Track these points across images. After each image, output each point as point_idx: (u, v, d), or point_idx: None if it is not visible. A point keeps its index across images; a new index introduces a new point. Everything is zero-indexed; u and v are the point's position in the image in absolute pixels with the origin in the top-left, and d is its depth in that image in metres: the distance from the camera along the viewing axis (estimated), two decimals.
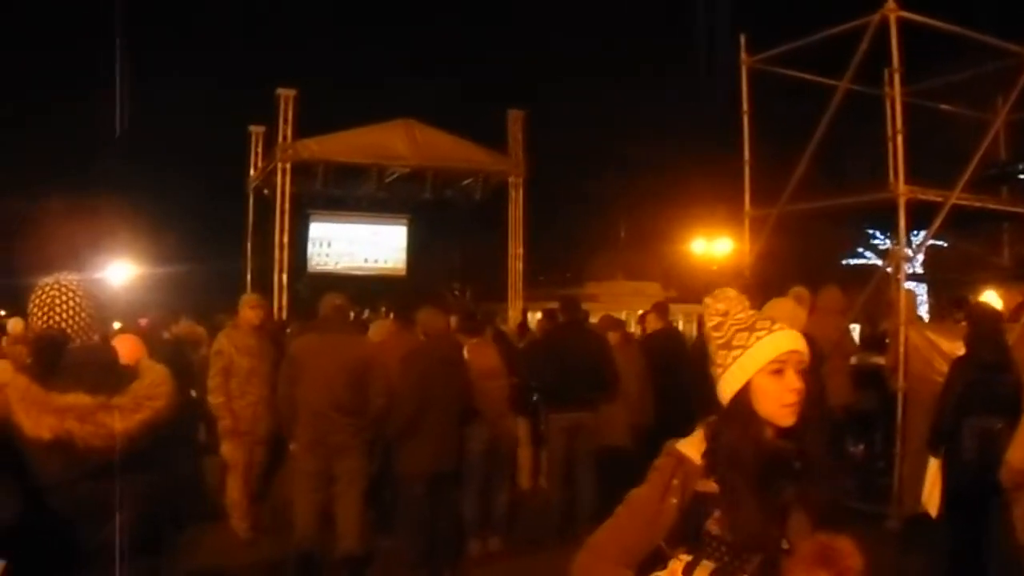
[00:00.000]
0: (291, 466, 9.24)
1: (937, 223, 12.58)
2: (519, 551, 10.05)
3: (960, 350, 8.83)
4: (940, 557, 8.42)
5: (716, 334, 3.16)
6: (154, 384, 3.93)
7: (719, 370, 3.09)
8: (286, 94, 19.20)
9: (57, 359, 3.89)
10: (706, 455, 2.99)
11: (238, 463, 10.14)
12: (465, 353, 10.13)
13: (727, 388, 3.07)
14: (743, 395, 3.04)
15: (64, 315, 3.98)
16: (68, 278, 4.05)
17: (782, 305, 7.58)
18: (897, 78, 12.22)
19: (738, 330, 3.12)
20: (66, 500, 3.63)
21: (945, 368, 9.10)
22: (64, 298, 4.02)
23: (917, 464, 8.94)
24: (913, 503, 8.98)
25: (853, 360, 12.58)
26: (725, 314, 3.21)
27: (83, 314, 4.01)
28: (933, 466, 8.34)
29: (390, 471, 9.54)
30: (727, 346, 3.10)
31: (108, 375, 3.89)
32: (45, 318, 3.98)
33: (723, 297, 3.27)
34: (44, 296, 4.02)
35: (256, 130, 22.24)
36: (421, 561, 9.02)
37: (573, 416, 10.42)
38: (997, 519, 7.86)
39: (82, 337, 3.98)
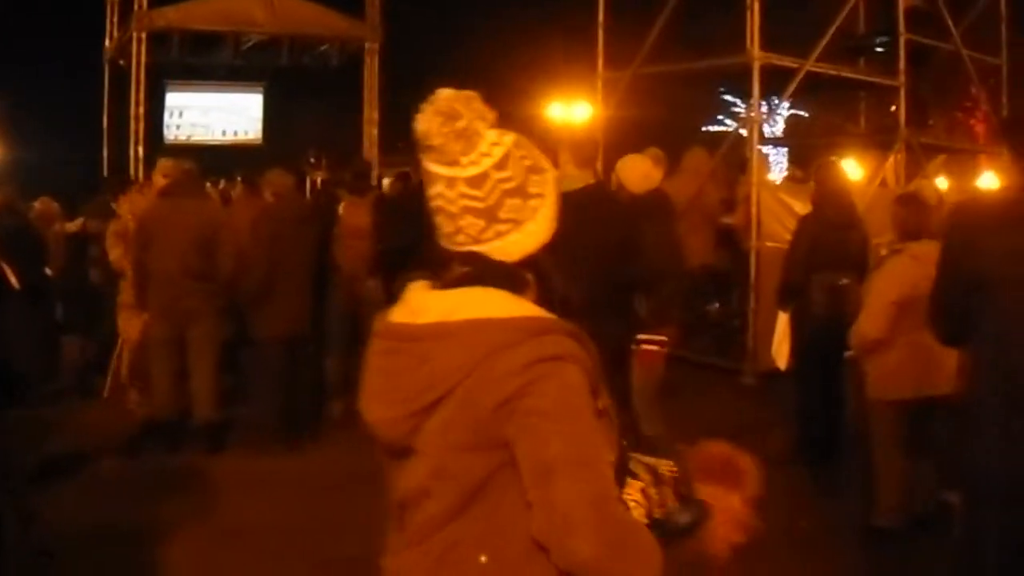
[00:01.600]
0: (144, 334, 9.10)
1: (791, 88, 12.77)
2: None
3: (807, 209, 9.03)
4: (792, 410, 8.65)
5: (499, 174, 2.21)
6: None
7: (509, 225, 2.22)
8: None
9: None
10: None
11: (131, 338, 9.83)
12: (340, 210, 10.04)
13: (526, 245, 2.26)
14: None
15: None
16: None
17: (635, 162, 7.61)
18: None
19: (531, 172, 2.26)
20: None
21: (792, 225, 9.30)
22: None
23: (770, 321, 9.13)
24: (767, 359, 9.19)
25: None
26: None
27: None
28: (782, 321, 8.54)
29: (246, 336, 9.47)
30: (522, 193, 2.23)
31: None
32: None
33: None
34: None
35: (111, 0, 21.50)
36: (280, 425, 8.99)
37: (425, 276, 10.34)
38: (844, 373, 8.13)
39: None
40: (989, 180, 15.36)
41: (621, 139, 13.07)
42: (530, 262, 2.26)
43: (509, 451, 2.06)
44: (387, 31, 20.08)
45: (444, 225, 2.23)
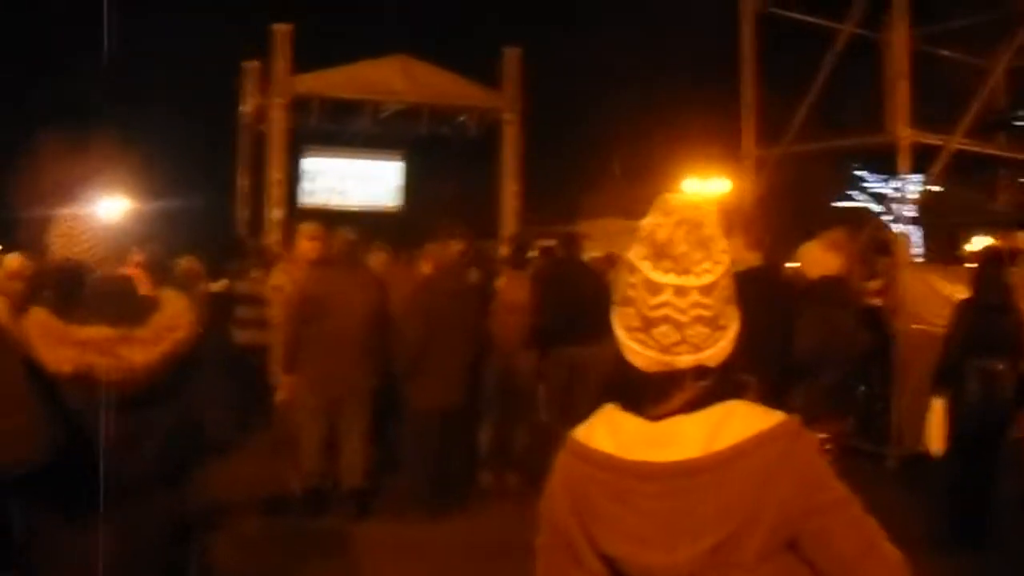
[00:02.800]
0: (295, 401, 9.19)
1: (939, 167, 12.62)
2: (536, 487, 10.06)
3: (956, 292, 8.89)
4: (937, 495, 8.50)
5: (725, 281, 2.20)
6: (175, 315, 3.90)
7: (722, 332, 2.21)
8: (281, 29, 19.01)
9: (78, 291, 3.85)
10: None
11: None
12: (499, 283, 10.12)
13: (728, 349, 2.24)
14: None
15: (84, 246, 3.95)
16: (85, 210, 4.00)
17: (810, 247, 7.53)
18: (902, 24, 12.18)
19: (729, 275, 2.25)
20: (88, 434, 3.60)
21: (941, 310, 9.17)
22: (83, 229, 3.98)
23: (916, 404, 8.98)
24: (911, 442, 9.04)
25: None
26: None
27: (102, 245, 3.98)
28: (937, 406, 8.38)
29: (396, 408, 9.54)
30: (732, 299, 2.25)
31: (129, 307, 3.85)
32: (65, 249, 3.94)
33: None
34: (64, 227, 3.98)
35: (250, 66, 22.06)
36: (429, 493, 9.03)
37: (573, 352, 10.39)
38: (998, 459, 7.97)
39: (103, 268, 3.95)
40: None
41: (765, 213, 13.03)
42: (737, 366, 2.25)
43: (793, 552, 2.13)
44: (524, 101, 20.31)
45: (667, 335, 2.15)
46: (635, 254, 2.20)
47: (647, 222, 2.22)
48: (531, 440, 10.17)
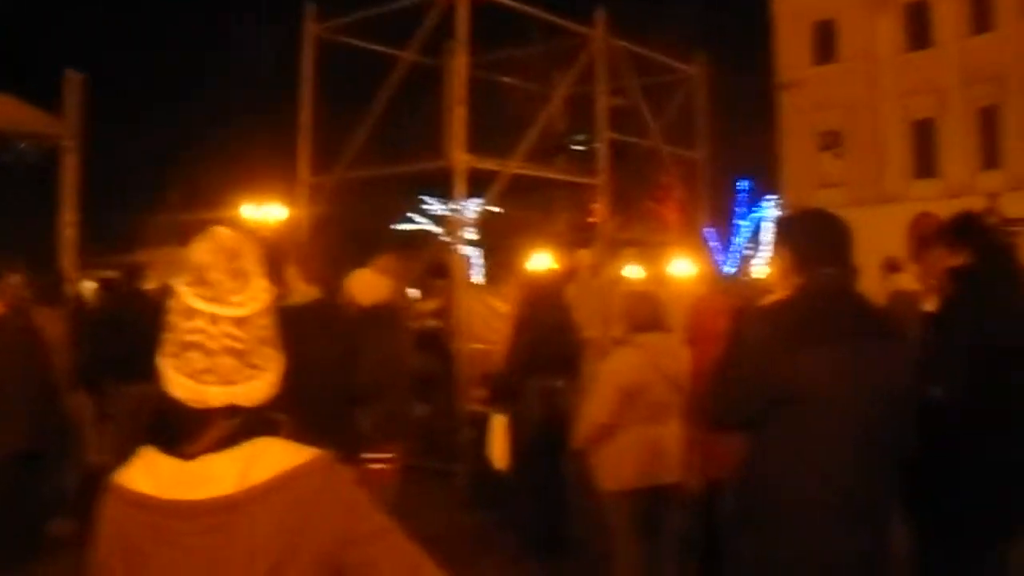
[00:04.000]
0: None
1: (496, 190, 13.05)
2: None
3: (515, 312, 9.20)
4: (507, 509, 8.73)
5: (261, 320, 2.25)
6: None
7: (256, 372, 2.23)
8: None
9: None
10: None
11: None
12: (40, 323, 9.57)
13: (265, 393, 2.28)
14: None
15: None
16: None
17: (362, 275, 7.62)
18: (462, 52, 12.51)
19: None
20: None
21: (500, 329, 9.46)
22: None
23: (482, 422, 9.21)
24: (478, 460, 9.26)
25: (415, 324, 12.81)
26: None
27: None
28: (498, 423, 8.63)
29: None
30: (272, 343, 2.29)
31: None
32: None
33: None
34: None
35: None
36: None
37: (143, 389, 9.99)
38: (561, 470, 8.31)
39: None
40: (682, 268, 16.04)
41: (321, 242, 13.03)
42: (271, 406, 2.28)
43: None
44: (85, 127, 19.48)
45: (197, 361, 2.18)
46: (179, 280, 2.22)
47: (191, 249, 2.23)
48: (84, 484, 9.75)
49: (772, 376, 3.75)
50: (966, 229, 5.11)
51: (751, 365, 3.84)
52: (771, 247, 4.28)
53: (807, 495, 3.78)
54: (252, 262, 2.22)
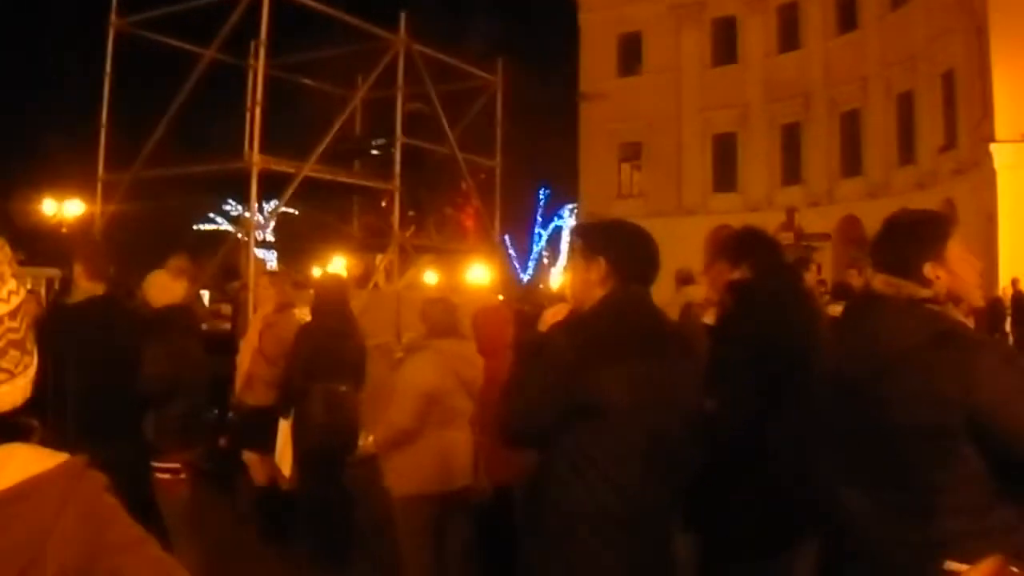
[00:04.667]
0: None
1: (288, 193, 12.99)
2: None
3: (304, 316, 9.19)
4: (292, 515, 8.67)
5: (10, 323, 2.10)
6: None
7: (5, 375, 2.11)
8: None
9: None
10: None
11: None
12: None
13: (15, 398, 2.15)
14: None
15: None
16: None
17: (155, 276, 7.44)
18: (263, 51, 12.43)
19: (30, 330, 2.14)
20: None
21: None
22: None
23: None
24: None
25: (204, 326, 12.61)
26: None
27: None
28: (283, 429, 8.59)
29: None
30: (23, 347, 2.14)
31: None
32: None
33: None
34: None
35: None
36: None
37: None
38: (345, 477, 8.32)
39: None
40: (478, 275, 16.17)
41: (114, 240, 12.77)
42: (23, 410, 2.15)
43: None
44: None
45: None
46: None
47: None
48: None
49: (571, 390, 3.75)
50: (747, 244, 5.13)
51: (551, 379, 3.83)
52: (578, 254, 4.14)
53: (598, 507, 3.78)
54: (3, 262, 2.08)
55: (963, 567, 1.85)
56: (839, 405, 3.44)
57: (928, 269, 3.30)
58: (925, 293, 3.28)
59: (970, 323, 3.49)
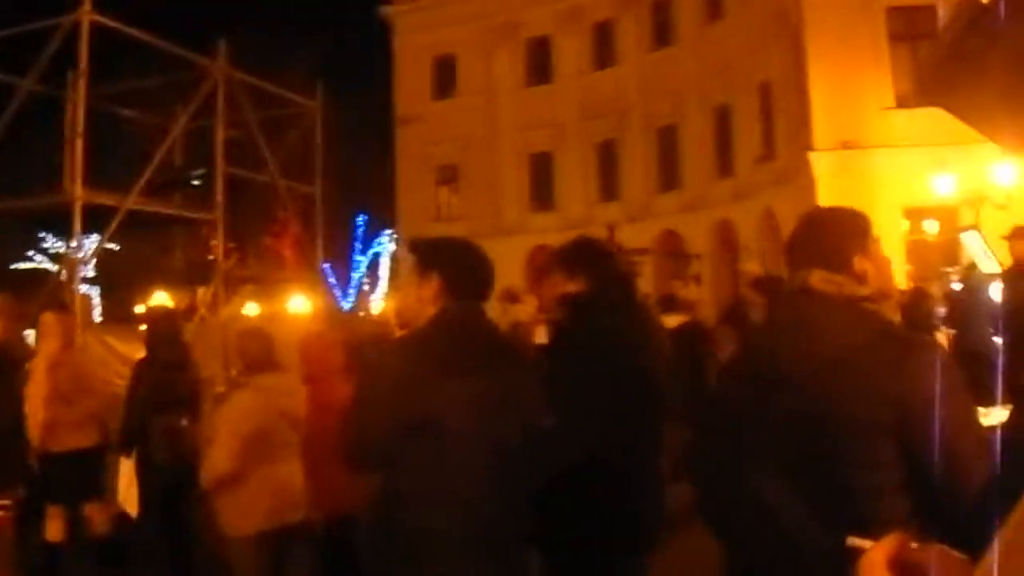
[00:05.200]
0: None
1: (113, 227, 12.72)
2: None
3: (134, 352, 9.03)
4: (137, 555, 8.49)
5: None
6: None
7: None
8: None
9: None
10: None
11: None
12: None
13: None
14: None
15: None
16: None
17: None
18: (83, 82, 12.15)
19: None
20: None
21: (121, 369, 9.26)
22: None
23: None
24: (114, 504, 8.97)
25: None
26: None
27: None
28: (126, 467, 8.43)
29: None
30: None
31: None
32: None
33: None
34: None
35: None
36: None
37: None
38: (190, 515, 8.14)
39: None
40: (299, 304, 16.05)
41: None
42: None
43: None
44: None
45: None
46: None
47: None
48: None
49: (410, 409, 3.74)
50: (583, 255, 5.01)
51: (386, 397, 3.81)
52: (411, 270, 4.14)
53: (445, 526, 3.77)
54: None
55: (866, 543, 1.92)
56: (764, 401, 3.35)
57: (857, 262, 3.34)
58: (864, 291, 3.32)
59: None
